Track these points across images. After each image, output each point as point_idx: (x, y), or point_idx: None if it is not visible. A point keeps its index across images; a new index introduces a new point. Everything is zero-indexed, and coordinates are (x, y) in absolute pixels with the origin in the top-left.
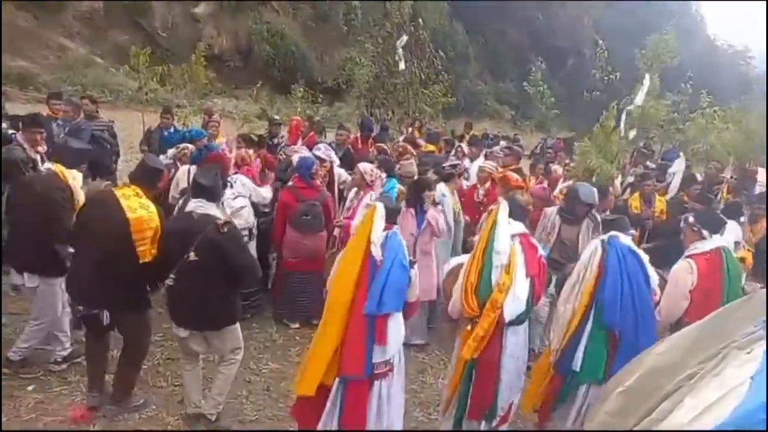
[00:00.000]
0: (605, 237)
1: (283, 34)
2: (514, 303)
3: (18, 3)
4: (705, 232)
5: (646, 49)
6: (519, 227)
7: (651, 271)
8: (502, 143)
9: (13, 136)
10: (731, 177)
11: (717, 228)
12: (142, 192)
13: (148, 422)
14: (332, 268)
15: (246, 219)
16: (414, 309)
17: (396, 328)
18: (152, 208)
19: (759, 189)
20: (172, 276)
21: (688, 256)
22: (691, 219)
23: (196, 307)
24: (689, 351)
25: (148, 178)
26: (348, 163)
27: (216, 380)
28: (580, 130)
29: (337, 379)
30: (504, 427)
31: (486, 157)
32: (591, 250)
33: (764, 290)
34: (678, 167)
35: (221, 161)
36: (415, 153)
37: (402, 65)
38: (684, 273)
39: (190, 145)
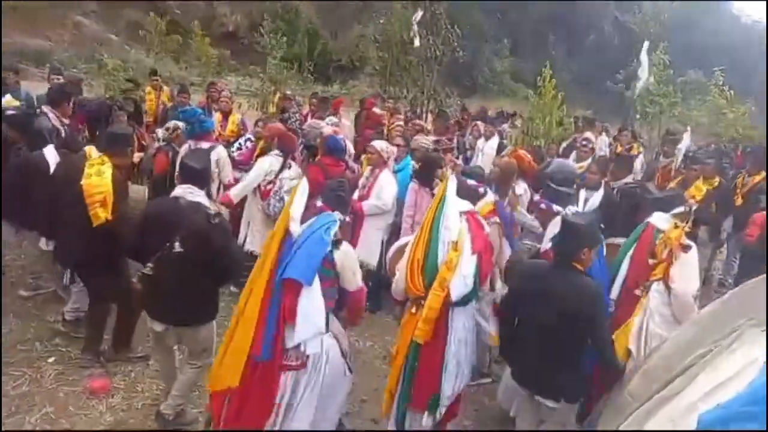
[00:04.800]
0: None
1: (297, 11)
2: (460, 282)
3: None
4: None
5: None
6: (466, 205)
7: None
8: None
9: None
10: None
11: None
12: (112, 159)
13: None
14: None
15: None
16: (356, 302)
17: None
18: (107, 173)
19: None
20: (149, 265)
21: None
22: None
23: (176, 301)
24: (705, 329)
25: (115, 145)
26: None
27: (177, 380)
28: (599, 108)
29: None
30: (451, 425)
31: (500, 135)
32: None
33: None
34: (684, 144)
35: (290, 141)
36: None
37: (417, 42)
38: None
39: (179, 123)
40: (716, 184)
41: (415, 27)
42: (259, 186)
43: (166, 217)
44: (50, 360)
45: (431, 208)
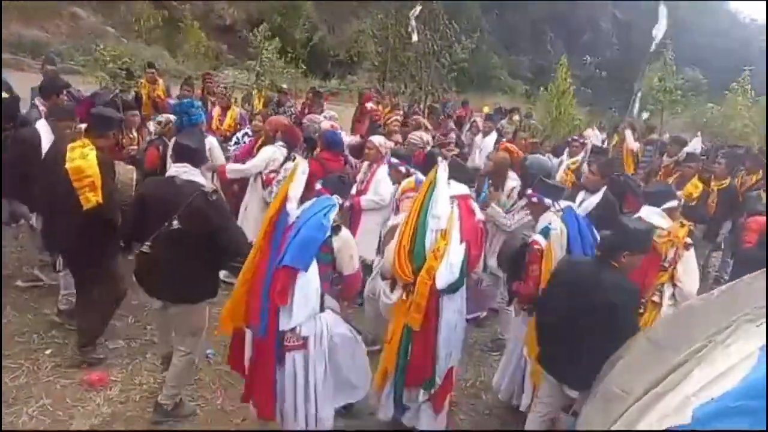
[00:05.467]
0: (560, 209)
1: (295, 6)
2: (446, 271)
3: None
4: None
5: None
6: (461, 188)
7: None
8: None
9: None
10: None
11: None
12: (94, 142)
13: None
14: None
15: None
16: (352, 285)
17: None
18: (91, 156)
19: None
20: (147, 243)
21: None
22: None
23: (174, 277)
24: (699, 324)
25: (98, 128)
26: None
27: (169, 371)
28: (594, 105)
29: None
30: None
31: (498, 132)
32: (557, 228)
33: None
34: (693, 147)
35: (294, 135)
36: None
37: (415, 37)
38: None
39: (171, 116)
40: (725, 185)
41: (413, 22)
42: (260, 174)
43: (162, 196)
44: (47, 352)
45: (420, 193)
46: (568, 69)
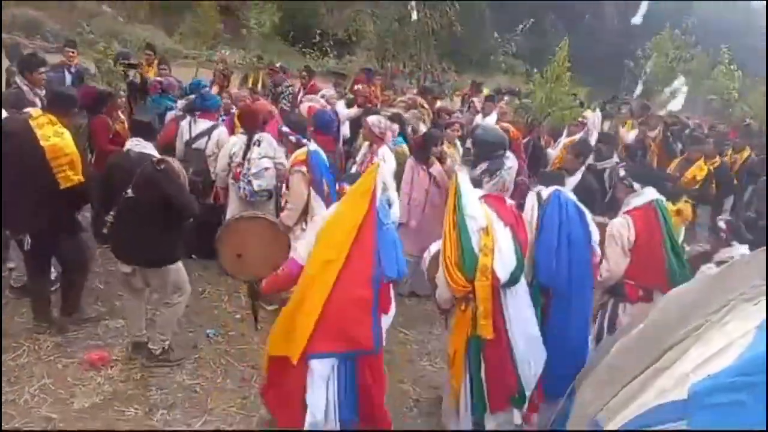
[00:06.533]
0: (544, 191)
1: None
2: (503, 260)
3: None
4: (636, 185)
5: None
6: (480, 192)
7: (593, 228)
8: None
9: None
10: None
11: (648, 180)
12: (57, 120)
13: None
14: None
15: (269, 181)
16: None
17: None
18: (66, 135)
19: None
20: (112, 213)
21: (624, 212)
22: (621, 173)
23: (134, 243)
24: (697, 303)
25: (61, 106)
26: None
27: (157, 319)
28: (596, 86)
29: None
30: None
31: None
32: (530, 205)
33: None
34: (677, 86)
35: (253, 118)
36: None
37: (414, 16)
38: (621, 229)
39: (191, 96)
40: (717, 163)
41: (413, 1)
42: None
43: (118, 168)
44: (48, 332)
45: (449, 206)
46: (567, 54)
